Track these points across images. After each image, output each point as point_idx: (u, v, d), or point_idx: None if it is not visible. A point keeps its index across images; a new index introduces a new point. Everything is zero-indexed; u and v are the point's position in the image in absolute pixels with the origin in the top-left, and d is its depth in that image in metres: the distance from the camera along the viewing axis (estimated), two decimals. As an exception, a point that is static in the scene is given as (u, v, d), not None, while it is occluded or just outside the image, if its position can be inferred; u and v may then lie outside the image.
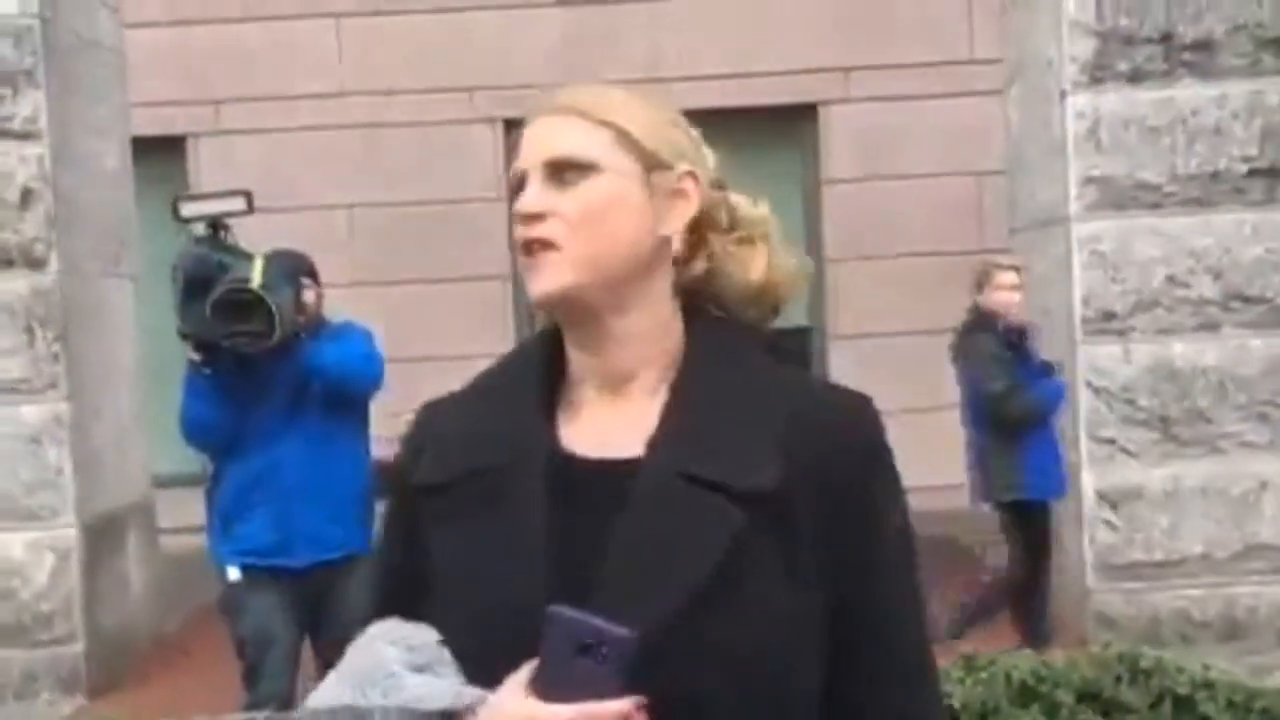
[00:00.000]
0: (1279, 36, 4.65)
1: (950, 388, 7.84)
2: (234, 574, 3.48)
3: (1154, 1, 4.66)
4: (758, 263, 1.10)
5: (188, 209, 3.43)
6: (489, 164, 7.61)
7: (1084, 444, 4.79)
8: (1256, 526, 4.66)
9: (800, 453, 1.02)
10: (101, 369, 5.05)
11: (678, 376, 1.07)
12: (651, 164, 1.08)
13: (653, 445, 1.04)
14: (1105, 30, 4.66)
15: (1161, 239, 4.70)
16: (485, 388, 1.13)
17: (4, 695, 4.66)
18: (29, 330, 4.69)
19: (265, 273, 3.27)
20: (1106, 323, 4.77)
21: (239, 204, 3.41)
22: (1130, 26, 4.67)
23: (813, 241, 7.88)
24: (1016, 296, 4.76)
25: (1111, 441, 4.75)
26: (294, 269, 3.46)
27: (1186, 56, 4.65)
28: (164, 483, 5.76)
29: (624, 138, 1.07)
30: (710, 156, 1.14)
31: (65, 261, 4.80)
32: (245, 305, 3.24)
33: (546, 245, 1.05)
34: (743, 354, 1.09)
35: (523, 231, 1.06)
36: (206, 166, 7.76)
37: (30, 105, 4.69)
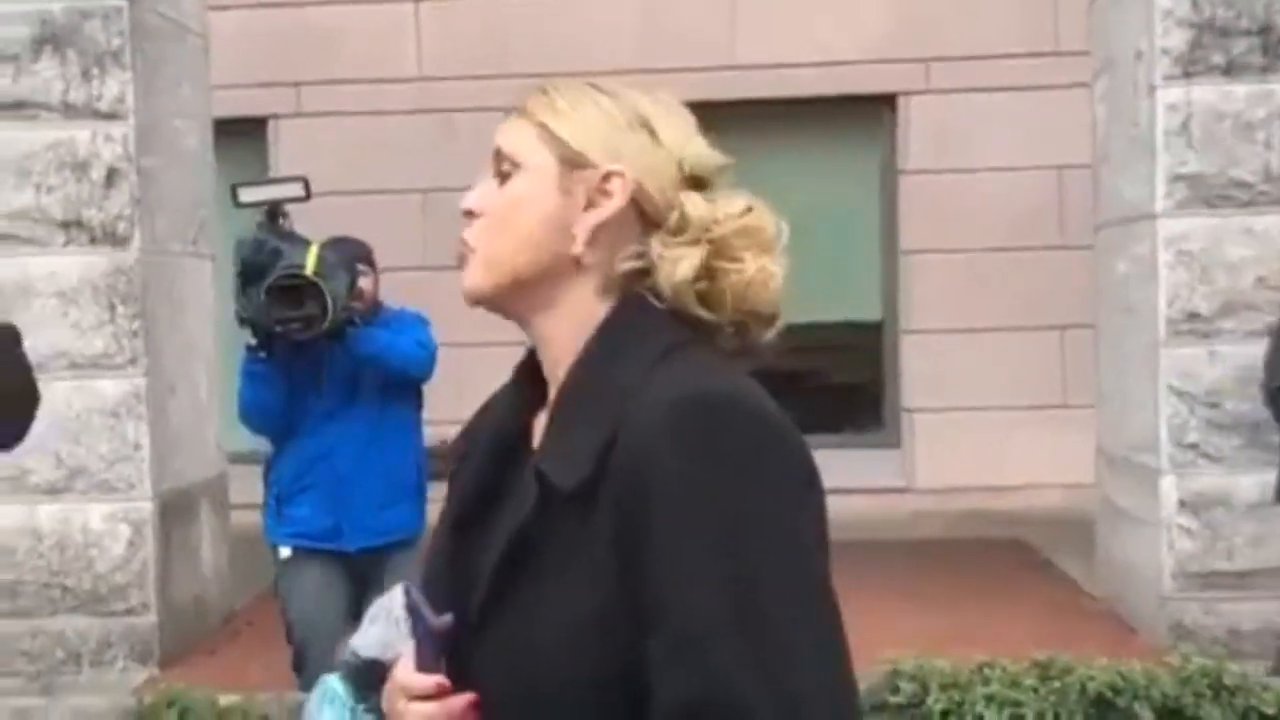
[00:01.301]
0: (1384, 30, 4.48)
1: (1017, 387, 7.73)
2: (285, 553, 3.53)
3: (1252, -8, 4.51)
4: (687, 265, 1.06)
5: (246, 195, 3.46)
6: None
7: (1165, 449, 4.66)
8: (1345, 538, 4.50)
9: (618, 450, 0.99)
10: (180, 347, 5.13)
11: (565, 374, 1.08)
12: (572, 162, 1.08)
13: (538, 447, 1.08)
14: (1200, 21, 4.52)
15: (1253, 239, 4.55)
16: (507, 382, 1.18)
17: (80, 662, 4.77)
18: (110, 307, 4.78)
19: (319, 259, 3.30)
20: (1192, 324, 4.63)
21: (297, 190, 3.42)
22: (1226, 18, 4.52)
23: (888, 233, 7.78)
24: None
25: (1194, 447, 4.62)
26: (351, 256, 3.47)
27: (1285, 50, 4.49)
28: (237, 460, 5.85)
29: (546, 134, 1.09)
30: (694, 154, 1.11)
31: (147, 240, 4.88)
32: (298, 291, 3.26)
33: (466, 244, 1.11)
34: (629, 347, 1.05)
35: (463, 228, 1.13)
36: (286, 149, 7.85)
37: (117, 86, 4.77)
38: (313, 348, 3.37)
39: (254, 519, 5.48)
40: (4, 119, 4.76)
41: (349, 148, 7.70)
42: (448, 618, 1.05)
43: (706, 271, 1.07)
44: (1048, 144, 7.41)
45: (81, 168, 4.77)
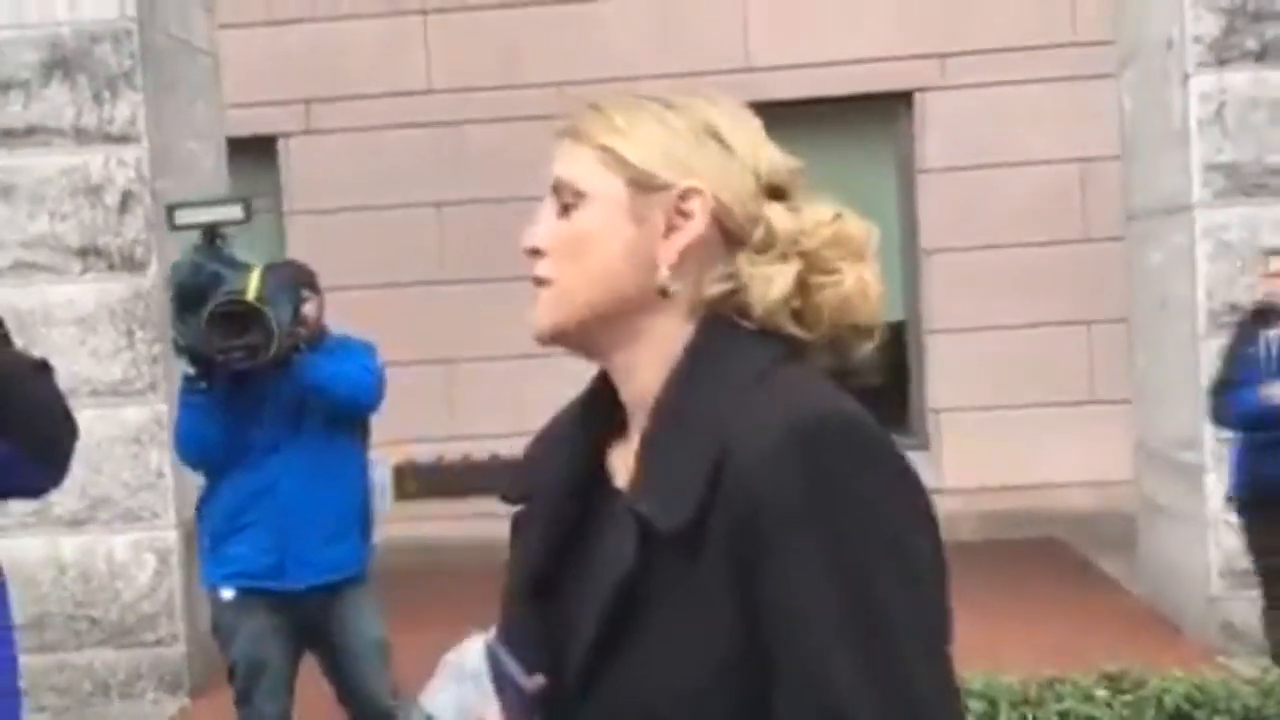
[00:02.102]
0: None
1: (1045, 384, 7.62)
2: (227, 595, 3.34)
3: (1284, -25, 4.41)
4: (781, 282, 0.99)
5: (183, 216, 3.30)
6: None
7: (1208, 444, 4.56)
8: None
9: (724, 482, 0.93)
10: (200, 370, 5.06)
11: (654, 404, 1.00)
12: (643, 185, 1.00)
13: (629, 482, 1.00)
14: (1232, 7, 4.42)
15: (1294, 227, 4.46)
16: (568, 408, 1.10)
17: (110, 695, 4.69)
18: (129, 333, 4.71)
19: (262, 284, 3.13)
20: (1231, 316, 4.53)
21: (236, 212, 3.25)
22: (1260, 2, 4.42)
23: (908, 232, 7.68)
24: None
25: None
26: (293, 280, 3.32)
27: (1320, 33, 4.39)
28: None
29: (610, 158, 1.01)
30: (769, 161, 1.04)
31: (164, 264, 4.79)
32: (240, 318, 3.09)
33: (539, 281, 1.03)
34: (721, 372, 0.98)
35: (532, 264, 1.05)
36: (297, 166, 7.79)
37: (129, 108, 4.71)
38: (255, 377, 3.19)
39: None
40: (17, 146, 4.70)
41: (360, 163, 7.63)
42: (540, 679, 0.96)
43: (800, 287, 1.00)
44: (1069, 136, 7.31)
45: (95, 193, 4.70)
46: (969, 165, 7.55)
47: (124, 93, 4.70)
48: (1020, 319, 7.45)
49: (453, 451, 7.44)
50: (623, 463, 1.03)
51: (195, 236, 3.26)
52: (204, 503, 3.43)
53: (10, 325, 2.33)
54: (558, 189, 1.03)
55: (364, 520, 3.44)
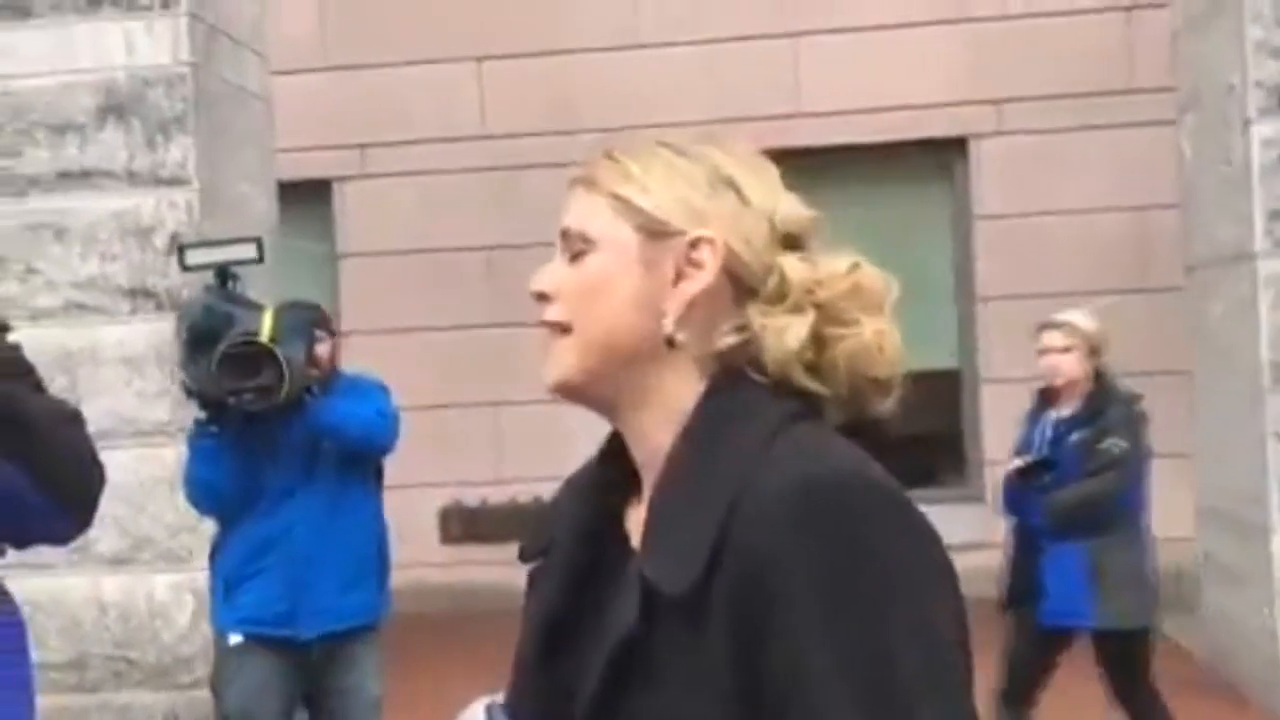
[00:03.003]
0: None
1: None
2: (235, 640, 3.24)
3: (1349, 20, 4.29)
4: (794, 334, 0.96)
5: (194, 256, 3.24)
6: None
7: (1274, 501, 4.40)
8: None
9: (730, 545, 0.89)
10: (245, 412, 5.08)
11: (664, 462, 0.97)
12: (654, 232, 0.98)
13: (640, 544, 0.96)
14: (1295, 52, 4.31)
15: (1361, 278, 4.30)
16: (585, 467, 1.08)
17: (146, 737, 4.68)
18: (173, 374, 4.73)
19: (275, 325, 3.06)
20: (1298, 370, 4.38)
21: (249, 251, 3.18)
22: (1323, 48, 4.31)
23: (964, 279, 7.57)
24: (1056, 360, 3.74)
25: (1306, 499, 4.35)
26: (307, 321, 3.24)
27: (1388, 78, 4.26)
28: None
29: (622, 205, 0.99)
30: (785, 210, 1.00)
31: (211, 305, 4.83)
32: (253, 359, 3.01)
33: (554, 329, 1.01)
34: (732, 432, 0.95)
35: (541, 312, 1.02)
36: (353, 210, 7.86)
37: (180, 152, 4.76)
38: (267, 420, 3.11)
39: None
40: (72, 188, 4.77)
41: (413, 208, 7.68)
42: None
43: (815, 340, 0.96)
44: (1126, 184, 7.17)
45: (145, 235, 4.75)
46: (1025, 212, 7.43)
47: (176, 136, 4.76)
48: (1078, 369, 7.29)
49: (498, 495, 7.40)
50: (638, 523, 0.99)
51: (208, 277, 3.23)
52: (217, 549, 3.37)
53: (59, 365, 2.32)
54: (567, 236, 1.01)
55: (380, 567, 3.36)
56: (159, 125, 4.76)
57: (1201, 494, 5.21)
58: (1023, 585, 3.75)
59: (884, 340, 0.97)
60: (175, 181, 4.75)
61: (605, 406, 1.01)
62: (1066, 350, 3.73)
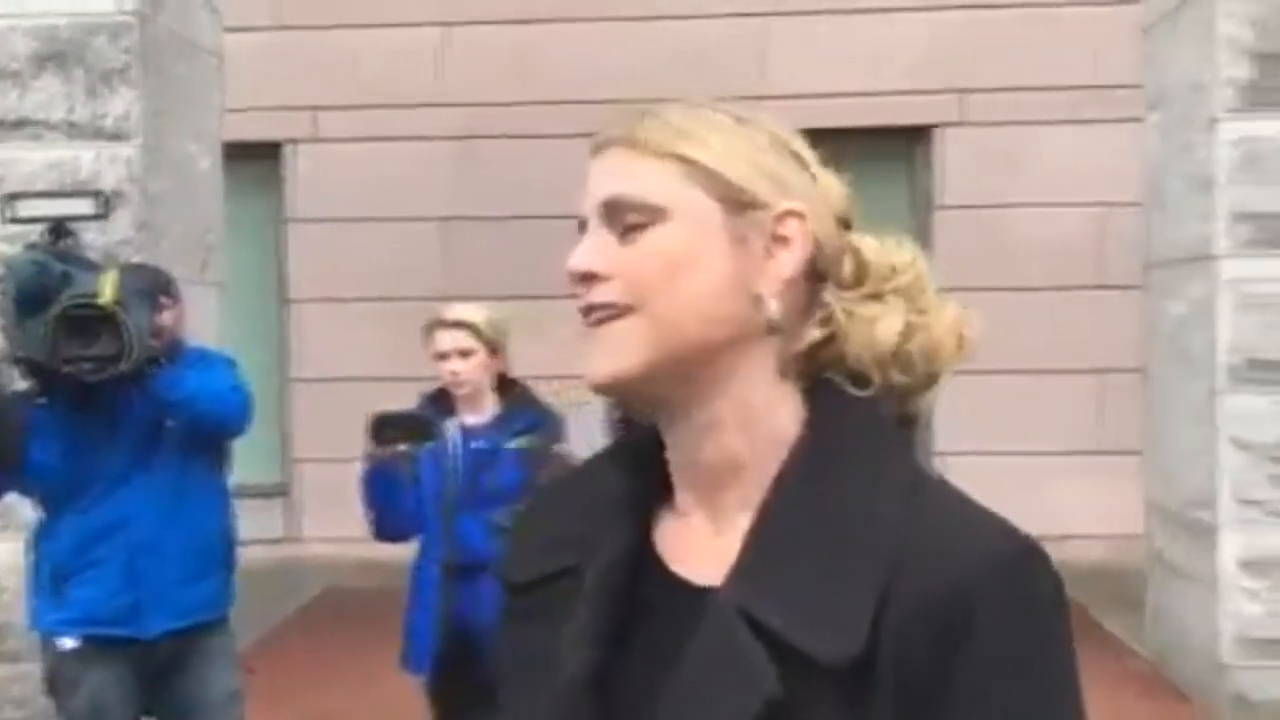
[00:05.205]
0: None
1: (1053, 433, 7.44)
2: (68, 644, 2.92)
3: (1321, 22, 4.26)
4: (888, 325, 0.86)
5: (24, 208, 3.00)
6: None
7: (1225, 505, 4.38)
8: None
9: (899, 612, 0.79)
10: (183, 378, 4.91)
11: (772, 489, 0.84)
12: (737, 203, 0.85)
13: (728, 577, 0.83)
14: (1266, 51, 4.27)
15: (1322, 282, 4.29)
16: (589, 477, 0.94)
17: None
18: None
19: (117, 287, 2.75)
20: (1256, 372, 4.36)
21: (87, 206, 2.95)
22: (1294, 48, 4.27)
23: (921, 270, 7.53)
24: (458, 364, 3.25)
25: (1257, 503, 4.33)
26: (151, 285, 2.92)
27: (1357, 82, 4.24)
28: (235, 493, 5.61)
29: (697, 170, 0.85)
30: (835, 187, 0.89)
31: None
32: (91, 325, 2.71)
33: (609, 312, 0.85)
34: (863, 460, 0.84)
35: (580, 294, 0.86)
36: (305, 174, 7.67)
37: (123, 104, 4.57)
38: (106, 393, 2.79)
39: (254, 554, 5.24)
40: (6, 138, 4.57)
41: (366, 174, 7.51)
42: None
43: (904, 331, 0.87)
44: (1089, 179, 7.17)
45: (84, 189, 4.56)
46: (986, 204, 7.40)
47: (119, 89, 4.56)
48: (1031, 364, 7.28)
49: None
50: (675, 538, 0.88)
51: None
52: (42, 537, 2.99)
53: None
54: (615, 207, 0.86)
55: (227, 555, 3.08)
56: (101, 76, 4.57)
57: (1152, 493, 5.21)
58: None
59: (964, 327, 0.88)
60: (117, 136, 4.56)
61: (661, 404, 0.87)
62: None
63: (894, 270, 0.87)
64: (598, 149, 0.88)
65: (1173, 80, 4.81)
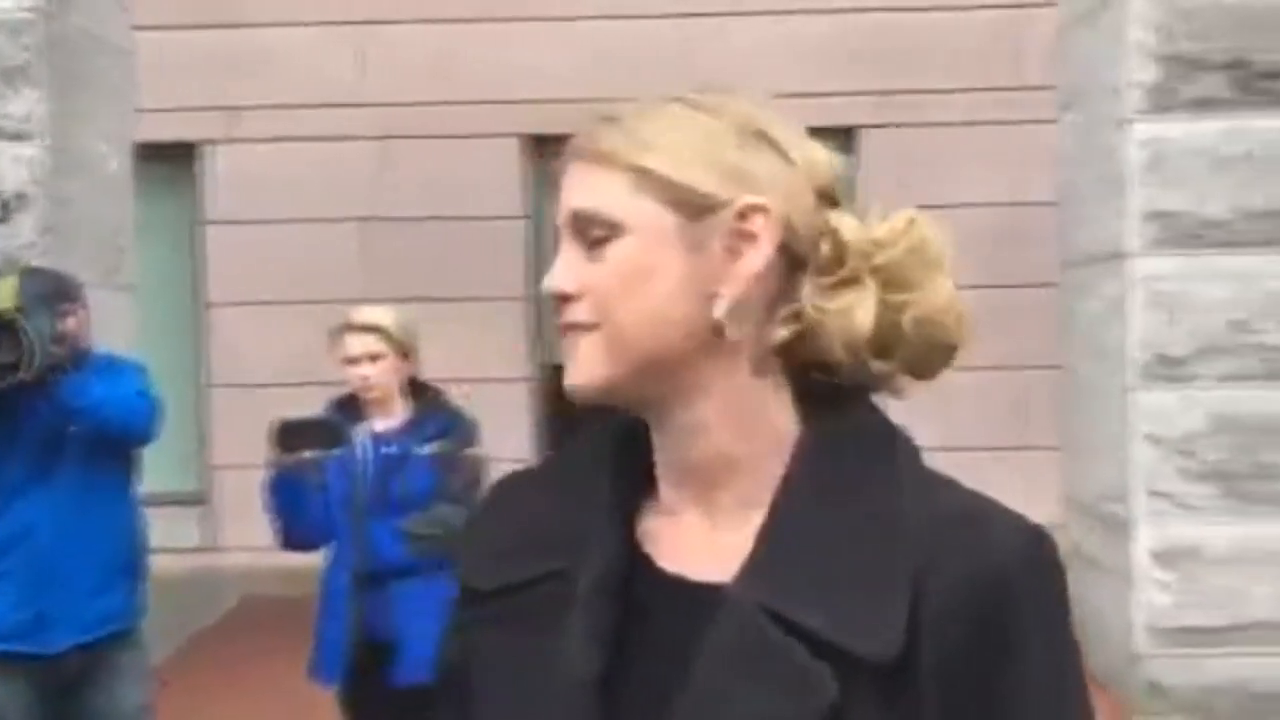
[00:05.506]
0: (1360, 66, 4.36)
1: (975, 429, 7.56)
2: None
3: (1225, 25, 4.36)
4: (859, 312, 0.83)
5: None
6: (510, 179, 7.35)
7: (1138, 498, 4.47)
8: (1325, 592, 4.33)
9: (931, 605, 0.80)
10: (94, 384, 4.78)
11: (781, 488, 0.84)
12: (693, 207, 0.84)
13: (742, 575, 0.82)
14: (1172, 55, 4.36)
15: (1229, 280, 4.39)
16: (559, 474, 0.92)
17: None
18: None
19: (18, 293, 2.72)
20: (1165, 368, 4.45)
21: None
22: (1199, 51, 4.37)
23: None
24: (367, 369, 3.13)
25: (1168, 496, 4.43)
26: (53, 289, 2.87)
27: (1260, 84, 4.35)
28: (150, 502, 5.48)
29: (650, 180, 0.84)
30: (820, 161, 0.87)
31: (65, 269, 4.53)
32: None
33: (577, 329, 0.86)
34: (876, 459, 0.84)
35: (559, 313, 0.88)
36: (222, 175, 7.52)
37: (26, 104, 4.44)
38: (5, 402, 2.75)
39: (169, 564, 5.12)
40: (-98, 138, 4.41)
41: (283, 175, 7.39)
42: None
43: (882, 312, 0.84)
44: (1009, 180, 7.28)
45: (-14, 192, 4.42)
46: (904, 205, 7.48)
47: (21, 88, 4.43)
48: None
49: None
50: (665, 537, 0.86)
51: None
52: None
53: None
54: (578, 220, 0.85)
55: (137, 565, 3.01)
56: (2, 74, 4.43)
57: (1069, 487, 5.30)
58: None
59: (955, 300, 0.86)
60: (20, 136, 4.43)
61: (644, 406, 0.86)
62: None
63: (876, 246, 0.85)
64: (564, 160, 0.88)
65: (1086, 82, 4.91)
